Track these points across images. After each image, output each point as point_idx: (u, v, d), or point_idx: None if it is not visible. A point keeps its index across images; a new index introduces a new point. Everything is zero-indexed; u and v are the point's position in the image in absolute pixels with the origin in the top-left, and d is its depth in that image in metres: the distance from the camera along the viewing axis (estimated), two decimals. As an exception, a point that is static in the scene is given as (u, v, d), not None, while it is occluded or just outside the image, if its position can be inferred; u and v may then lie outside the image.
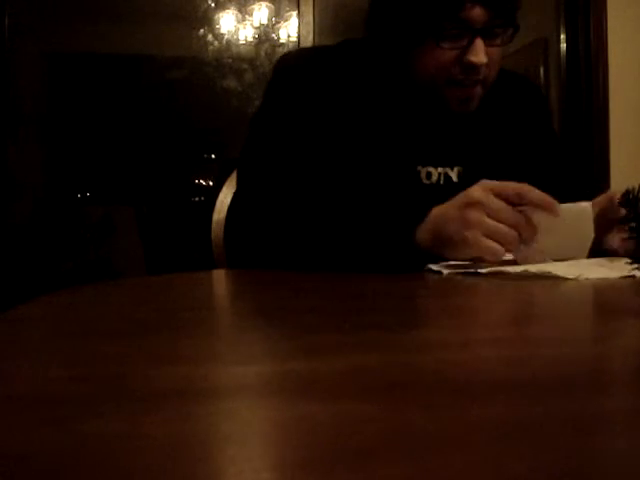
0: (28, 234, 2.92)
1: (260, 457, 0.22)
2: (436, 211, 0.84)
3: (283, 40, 3.14)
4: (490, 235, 0.80)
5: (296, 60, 1.07)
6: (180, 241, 3.01)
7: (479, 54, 0.93)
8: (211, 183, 3.39)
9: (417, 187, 1.02)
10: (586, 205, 0.83)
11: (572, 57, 2.75)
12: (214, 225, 1.19)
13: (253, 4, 3.13)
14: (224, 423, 0.25)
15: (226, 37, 3.16)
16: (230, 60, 3.19)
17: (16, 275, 2.78)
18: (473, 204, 0.80)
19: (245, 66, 3.19)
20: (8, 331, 0.44)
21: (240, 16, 3.14)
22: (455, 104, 0.99)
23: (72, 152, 3.26)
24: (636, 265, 0.72)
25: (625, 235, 0.77)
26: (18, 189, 2.87)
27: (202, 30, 3.15)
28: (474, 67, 0.94)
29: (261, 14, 3.14)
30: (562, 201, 0.82)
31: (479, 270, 0.77)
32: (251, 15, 3.15)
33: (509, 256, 0.84)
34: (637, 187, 0.74)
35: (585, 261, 0.84)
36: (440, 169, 1.03)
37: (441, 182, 1.03)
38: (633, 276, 0.73)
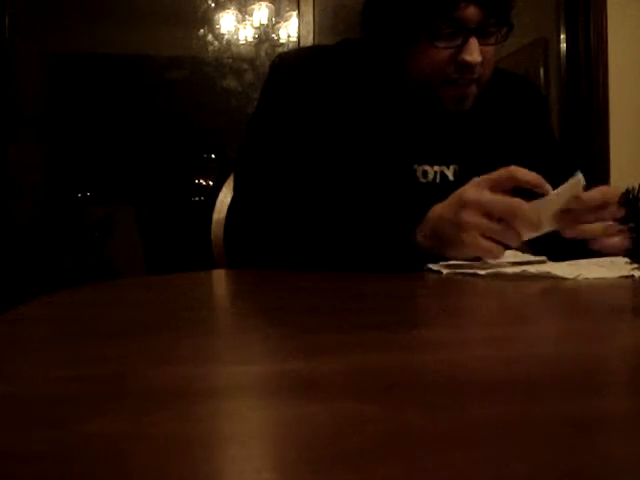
0: (28, 234, 2.92)
1: (260, 457, 0.22)
2: (433, 212, 0.85)
3: (283, 40, 3.14)
4: (487, 235, 0.80)
5: (292, 60, 1.07)
6: (180, 241, 3.00)
7: (473, 53, 0.93)
8: (211, 183, 3.39)
9: (413, 186, 1.02)
10: (578, 177, 0.83)
11: (572, 57, 2.75)
12: (214, 225, 1.19)
13: (253, 4, 3.13)
14: (224, 423, 0.25)
15: (226, 37, 3.16)
16: (230, 60, 3.19)
17: (16, 275, 2.78)
18: (467, 205, 0.81)
19: (245, 66, 3.19)
20: (8, 331, 0.44)
21: (240, 16, 3.14)
22: (450, 103, 0.99)
23: (72, 152, 3.26)
24: (635, 265, 0.72)
25: (615, 235, 0.78)
26: (18, 189, 2.87)
27: (202, 30, 3.15)
28: (469, 66, 0.95)
29: (261, 14, 3.14)
30: None
31: (478, 271, 0.77)
32: (251, 15, 3.15)
33: (508, 255, 0.84)
34: (637, 187, 0.74)
35: (584, 261, 0.84)
36: (436, 167, 1.03)
37: (437, 180, 1.03)
38: (632, 276, 0.73)
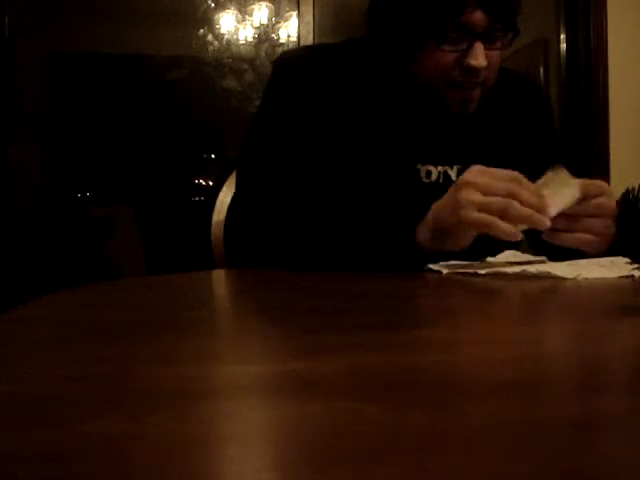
0: (28, 234, 2.92)
1: (260, 457, 0.22)
2: (433, 207, 0.85)
3: (283, 40, 3.14)
4: (484, 209, 0.80)
5: (295, 59, 1.07)
6: (180, 241, 3.00)
7: (479, 58, 0.93)
8: (211, 183, 3.39)
9: (417, 186, 1.02)
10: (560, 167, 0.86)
11: (572, 57, 2.75)
12: (214, 225, 1.19)
13: (253, 4, 3.13)
14: (224, 423, 0.25)
15: (226, 37, 3.16)
16: (230, 60, 3.19)
17: (16, 275, 2.78)
18: (465, 185, 0.82)
19: (245, 66, 3.19)
20: (8, 331, 0.44)
21: (240, 16, 3.14)
22: (454, 105, 0.99)
23: (72, 152, 3.26)
24: (635, 265, 0.72)
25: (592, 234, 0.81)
26: (18, 189, 2.87)
27: (202, 30, 3.15)
28: (474, 70, 0.95)
29: (261, 14, 3.14)
30: None
31: (478, 271, 0.77)
32: (251, 15, 3.15)
33: (508, 255, 0.84)
34: (637, 187, 0.74)
35: (584, 261, 0.84)
36: (440, 168, 1.03)
37: (440, 181, 1.03)
38: (632, 276, 0.73)
